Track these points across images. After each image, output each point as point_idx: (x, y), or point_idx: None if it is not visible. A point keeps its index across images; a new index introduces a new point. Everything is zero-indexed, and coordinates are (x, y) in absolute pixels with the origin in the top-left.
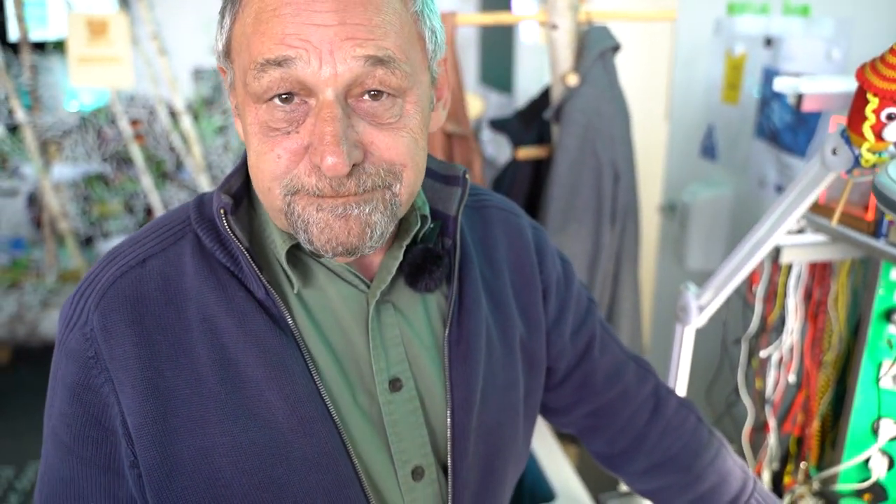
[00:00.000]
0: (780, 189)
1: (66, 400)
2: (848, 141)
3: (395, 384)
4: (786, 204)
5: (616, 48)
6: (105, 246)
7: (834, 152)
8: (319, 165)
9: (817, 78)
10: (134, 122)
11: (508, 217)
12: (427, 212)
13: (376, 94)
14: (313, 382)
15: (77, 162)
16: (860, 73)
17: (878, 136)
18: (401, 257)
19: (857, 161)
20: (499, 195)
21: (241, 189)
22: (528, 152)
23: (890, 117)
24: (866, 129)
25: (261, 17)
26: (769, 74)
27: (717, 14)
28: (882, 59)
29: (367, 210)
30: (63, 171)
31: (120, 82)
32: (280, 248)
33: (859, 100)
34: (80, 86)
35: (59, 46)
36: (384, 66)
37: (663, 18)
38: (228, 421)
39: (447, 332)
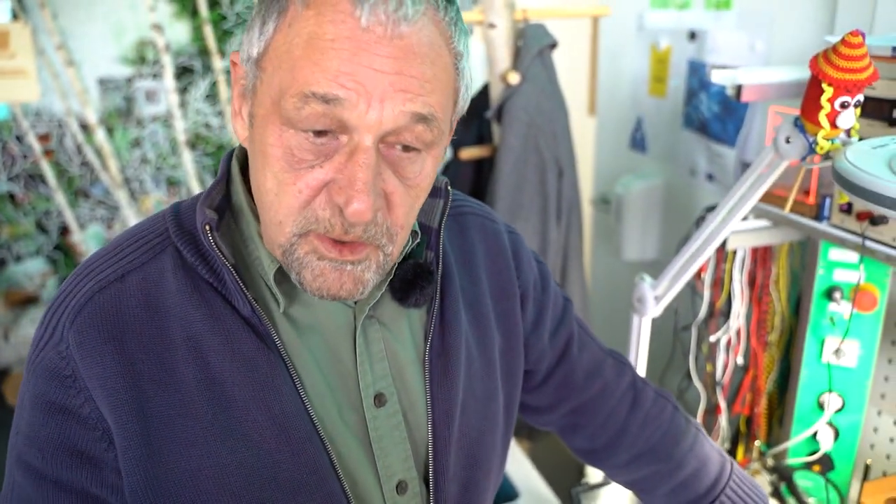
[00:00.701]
0: (711, 177)
1: (37, 423)
2: (802, 129)
3: (379, 399)
4: (740, 193)
5: (553, 45)
6: (19, 269)
7: (787, 140)
8: (342, 207)
9: (752, 69)
10: (42, 138)
11: (485, 223)
12: (416, 227)
13: (406, 147)
14: (301, 401)
15: None
16: (814, 64)
17: (833, 124)
18: (391, 275)
19: (811, 148)
20: (473, 199)
21: (222, 202)
22: (470, 152)
23: (844, 105)
24: (822, 118)
25: (314, 44)
26: (694, 67)
27: (639, 9)
28: (835, 49)
29: (361, 268)
30: None
31: (24, 96)
32: (268, 268)
33: (813, 89)
34: None
35: None
36: (425, 123)
37: (598, 14)
38: (216, 442)
39: (428, 346)
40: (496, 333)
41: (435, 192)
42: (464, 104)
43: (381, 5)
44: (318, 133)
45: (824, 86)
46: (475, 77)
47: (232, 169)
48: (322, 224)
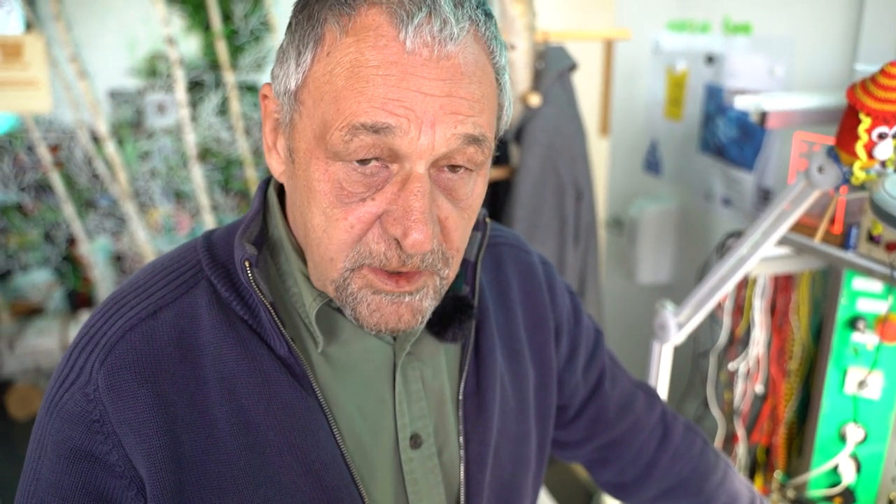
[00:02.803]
0: (727, 202)
1: (60, 469)
2: (836, 159)
3: (415, 440)
4: (769, 221)
5: (573, 67)
6: (24, 280)
7: (820, 170)
8: (400, 240)
9: (776, 95)
10: (53, 148)
11: (519, 254)
12: None
13: (455, 167)
14: (337, 447)
15: None
16: (851, 94)
17: (870, 155)
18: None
19: (845, 178)
20: (506, 228)
21: (259, 236)
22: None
23: (881, 136)
24: (859, 149)
25: (358, 73)
26: (712, 91)
27: (656, 32)
28: (873, 79)
29: (419, 297)
30: None
31: (37, 107)
32: (310, 307)
33: (850, 119)
34: None
35: None
36: (476, 144)
37: (618, 37)
38: (248, 490)
39: (462, 384)
40: (530, 370)
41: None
42: (507, 119)
43: (426, 26)
44: (365, 162)
45: (861, 116)
46: None
47: (270, 201)
48: (377, 258)
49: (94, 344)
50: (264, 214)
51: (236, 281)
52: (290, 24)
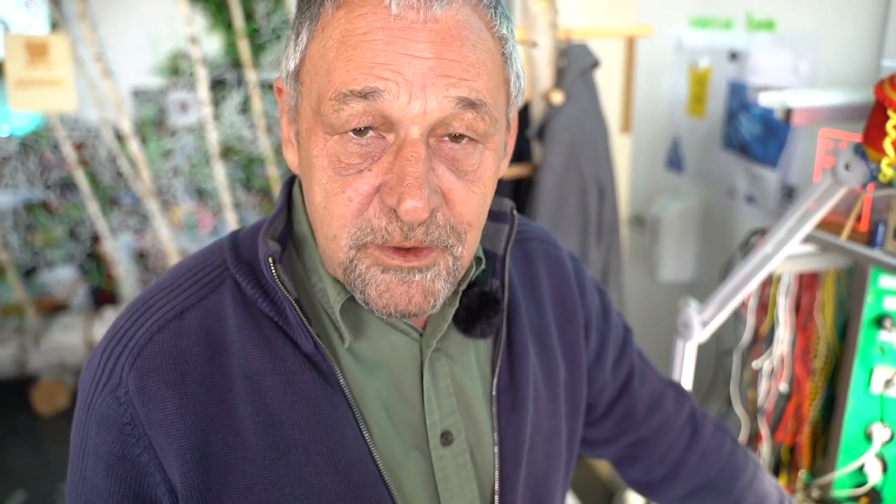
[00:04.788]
0: (750, 199)
1: (100, 473)
2: (863, 156)
3: (446, 437)
4: (794, 219)
5: (595, 65)
6: (49, 276)
7: (847, 167)
8: (395, 208)
9: (801, 92)
10: (77, 147)
11: (549, 249)
12: (481, 253)
13: (457, 137)
14: (365, 444)
15: (17, 189)
16: (879, 89)
17: None
18: (457, 304)
19: (872, 175)
20: (535, 224)
21: (284, 232)
22: (510, 171)
23: None
24: (887, 145)
25: (347, 41)
26: (735, 87)
27: (678, 28)
28: None
29: (430, 276)
30: (2, 199)
31: (62, 106)
32: (334, 301)
33: (878, 115)
34: (20, 110)
35: None
36: (474, 109)
37: (640, 34)
38: (274, 489)
39: (496, 379)
40: (561, 366)
41: (500, 216)
42: (517, 94)
43: None
44: (361, 132)
45: (890, 112)
46: None
47: (294, 196)
48: (379, 234)
49: (122, 346)
50: (289, 211)
51: (261, 278)
52: (294, 14)
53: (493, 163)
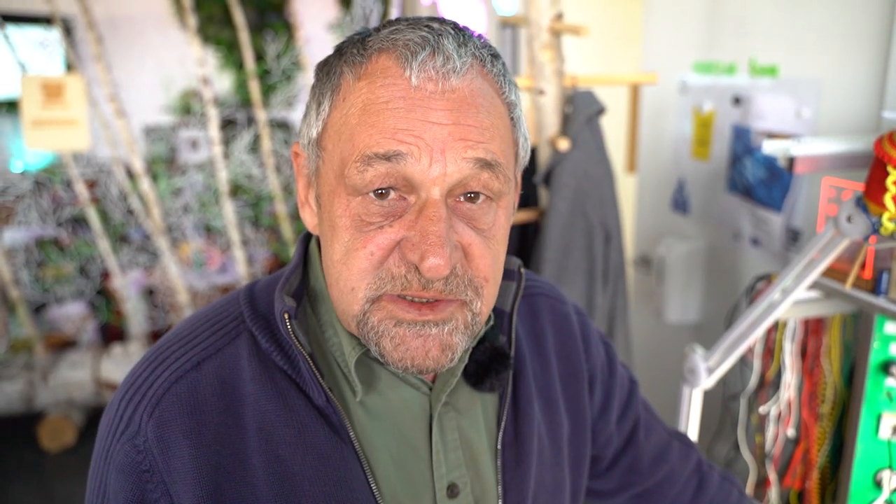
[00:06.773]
0: (755, 242)
1: None
2: (865, 209)
3: (452, 490)
4: (799, 269)
5: (601, 111)
6: (59, 312)
7: (849, 220)
8: (418, 264)
9: (804, 140)
10: (89, 184)
11: (555, 305)
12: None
13: (473, 196)
14: (373, 497)
15: (30, 226)
16: (879, 147)
17: None
18: (466, 359)
19: (874, 229)
20: (542, 279)
21: (299, 287)
22: (517, 216)
23: None
24: (888, 200)
25: (370, 109)
26: (739, 132)
27: (682, 73)
28: None
29: (447, 330)
30: (14, 235)
31: (76, 145)
32: (349, 356)
33: (878, 171)
34: (35, 149)
35: (6, 106)
36: (490, 169)
37: (646, 81)
38: None
39: (501, 433)
40: (565, 419)
41: (508, 274)
42: (525, 155)
43: (429, 62)
44: (382, 195)
45: (889, 168)
46: None
47: (311, 252)
48: (398, 281)
49: (141, 395)
50: (305, 267)
51: (276, 332)
52: (313, 84)
53: (505, 221)
